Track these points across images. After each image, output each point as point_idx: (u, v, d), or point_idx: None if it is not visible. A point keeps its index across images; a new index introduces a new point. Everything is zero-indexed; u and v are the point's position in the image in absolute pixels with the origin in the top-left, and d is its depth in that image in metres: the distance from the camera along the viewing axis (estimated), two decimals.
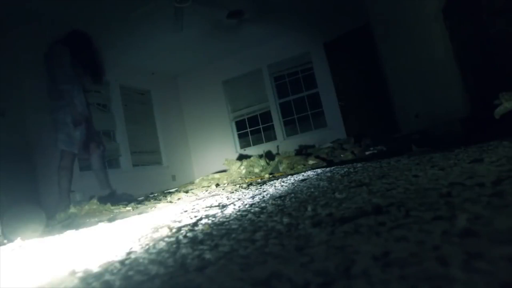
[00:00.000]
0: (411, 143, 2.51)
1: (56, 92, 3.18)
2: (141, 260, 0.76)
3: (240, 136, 6.69)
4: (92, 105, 5.15)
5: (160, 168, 6.10)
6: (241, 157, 4.88)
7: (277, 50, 6.07)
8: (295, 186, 1.69)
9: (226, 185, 2.97)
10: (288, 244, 0.66)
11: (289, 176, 2.52)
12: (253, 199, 1.51)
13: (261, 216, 1.03)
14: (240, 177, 3.34)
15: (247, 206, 1.32)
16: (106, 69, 3.61)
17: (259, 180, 2.81)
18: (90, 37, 3.44)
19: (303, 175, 2.29)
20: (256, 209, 1.19)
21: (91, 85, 3.64)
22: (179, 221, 1.25)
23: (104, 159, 3.62)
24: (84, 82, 3.44)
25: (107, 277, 0.68)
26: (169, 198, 2.71)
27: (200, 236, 0.91)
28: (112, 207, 2.59)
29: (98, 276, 0.70)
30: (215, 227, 0.99)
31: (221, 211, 1.31)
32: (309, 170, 2.77)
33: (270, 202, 1.28)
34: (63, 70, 3.18)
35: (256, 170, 3.44)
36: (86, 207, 2.61)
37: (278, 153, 4.86)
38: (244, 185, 2.48)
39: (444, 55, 2.85)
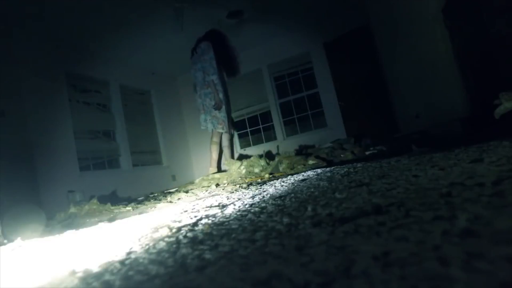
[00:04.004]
0: (411, 143, 2.51)
1: (204, 82, 3.94)
2: (141, 260, 0.76)
3: (240, 136, 6.69)
4: (92, 105, 5.17)
5: (160, 168, 6.10)
6: (241, 157, 4.88)
7: (277, 50, 6.07)
8: (295, 186, 1.69)
9: (226, 185, 2.97)
10: (288, 244, 0.66)
11: (289, 176, 2.52)
12: (253, 199, 1.51)
13: (261, 216, 1.03)
14: (240, 177, 3.34)
15: (247, 206, 1.32)
16: (239, 64, 4.39)
17: (259, 180, 2.81)
18: (225, 35, 4.19)
19: (303, 175, 2.29)
20: (256, 209, 1.19)
21: (229, 76, 4.40)
22: (179, 221, 1.25)
23: (233, 138, 4.47)
24: (223, 73, 4.22)
25: (107, 277, 0.68)
26: (169, 198, 2.71)
27: (200, 236, 0.91)
28: (112, 207, 2.59)
29: (98, 276, 0.70)
30: (215, 227, 0.99)
31: (221, 211, 1.31)
32: (309, 170, 2.77)
33: (270, 202, 1.28)
34: (210, 63, 3.89)
35: (256, 170, 3.44)
36: (86, 207, 2.61)
37: (278, 153, 4.86)
38: (244, 185, 2.48)
39: (444, 55, 2.85)
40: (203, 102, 4.02)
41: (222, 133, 4.09)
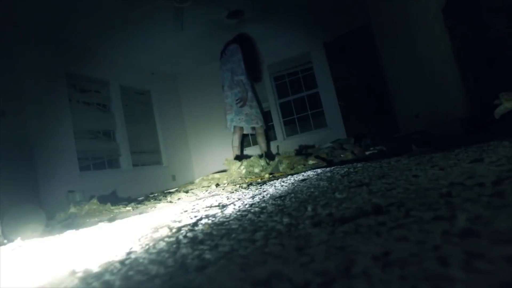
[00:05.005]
0: (411, 143, 2.51)
1: (233, 82, 4.12)
2: (141, 260, 0.76)
3: None
4: (92, 105, 5.17)
5: (160, 168, 6.10)
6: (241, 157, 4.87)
7: (277, 50, 6.07)
8: (295, 186, 1.69)
9: (226, 185, 2.97)
10: (288, 244, 0.66)
11: (289, 176, 2.52)
12: (253, 199, 1.51)
13: (261, 216, 1.03)
14: (240, 177, 3.34)
15: (247, 206, 1.32)
16: (262, 67, 4.65)
17: (259, 180, 2.81)
18: (253, 38, 4.44)
19: (303, 175, 2.29)
20: (256, 209, 1.19)
21: (254, 78, 4.56)
22: (179, 221, 1.25)
23: (267, 134, 4.57)
24: (250, 73, 4.36)
25: (107, 277, 0.68)
26: (169, 198, 2.71)
27: (200, 236, 0.91)
28: (112, 207, 2.59)
29: (98, 276, 0.70)
30: (215, 227, 0.99)
31: (221, 211, 1.31)
32: (309, 170, 2.77)
33: (270, 202, 1.28)
34: (239, 64, 4.10)
35: (256, 170, 3.44)
36: (86, 207, 2.61)
37: (278, 153, 4.86)
38: (244, 185, 2.48)
39: (444, 55, 2.85)
40: (232, 103, 4.17)
41: (256, 127, 4.30)
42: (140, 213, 2.02)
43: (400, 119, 4.64)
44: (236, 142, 4.33)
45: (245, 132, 4.39)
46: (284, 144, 6.03)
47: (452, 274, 0.39)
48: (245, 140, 6.71)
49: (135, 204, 2.71)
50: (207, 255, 0.69)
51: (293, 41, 5.94)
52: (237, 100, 4.07)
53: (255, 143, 6.55)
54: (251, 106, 4.12)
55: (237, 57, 4.12)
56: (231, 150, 4.32)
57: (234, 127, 4.24)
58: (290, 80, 6.26)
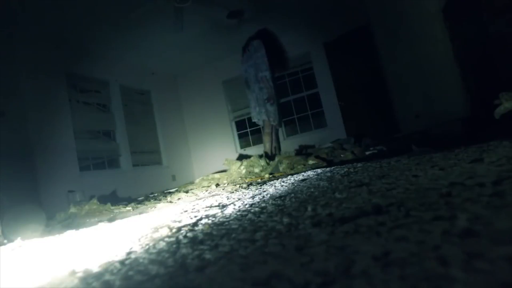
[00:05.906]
0: (411, 143, 2.51)
1: (257, 78, 4.22)
2: (141, 260, 0.76)
3: (240, 136, 6.69)
4: (92, 105, 5.17)
5: (160, 168, 6.10)
6: (241, 157, 4.88)
7: None
8: (295, 186, 1.69)
9: (226, 185, 2.97)
10: (288, 244, 0.66)
11: (289, 176, 2.52)
12: (253, 199, 1.51)
13: (261, 216, 1.03)
14: (240, 177, 3.34)
15: (247, 206, 1.32)
16: (288, 58, 4.77)
17: (259, 180, 2.81)
18: (274, 32, 4.55)
19: (303, 175, 2.29)
20: (256, 209, 1.19)
21: (280, 70, 4.71)
22: (179, 221, 1.25)
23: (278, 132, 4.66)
24: (274, 68, 4.42)
25: (107, 277, 0.68)
26: (169, 198, 2.71)
27: (200, 236, 0.91)
28: (112, 207, 2.59)
29: (98, 276, 0.70)
30: (215, 227, 0.99)
31: (221, 211, 1.31)
32: (309, 170, 2.77)
33: (270, 202, 1.28)
34: (263, 60, 4.19)
35: (256, 170, 3.43)
36: (86, 207, 2.61)
37: (278, 153, 4.85)
38: (244, 185, 2.48)
39: (444, 55, 2.85)
40: (257, 96, 4.26)
41: (273, 125, 4.35)
42: (140, 213, 2.02)
43: (400, 119, 4.64)
44: (267, 136, 4.39)
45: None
46: (284, 144, 6.03)
47: (452, 274, 0.39)
48: (245, 140, 6.73)
49: (135, 204, 2.71)
50: (207, 255, 0.69)
51: (293, 41, 5.93)
52: (265, 99, 4.19)
53: (255, 143, 6.57)
54: (271, 104, 4.22)
55: (260, 53, 4.21)
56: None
57: (264, 120, 4.34)
58: (290, 80, 6.25)
